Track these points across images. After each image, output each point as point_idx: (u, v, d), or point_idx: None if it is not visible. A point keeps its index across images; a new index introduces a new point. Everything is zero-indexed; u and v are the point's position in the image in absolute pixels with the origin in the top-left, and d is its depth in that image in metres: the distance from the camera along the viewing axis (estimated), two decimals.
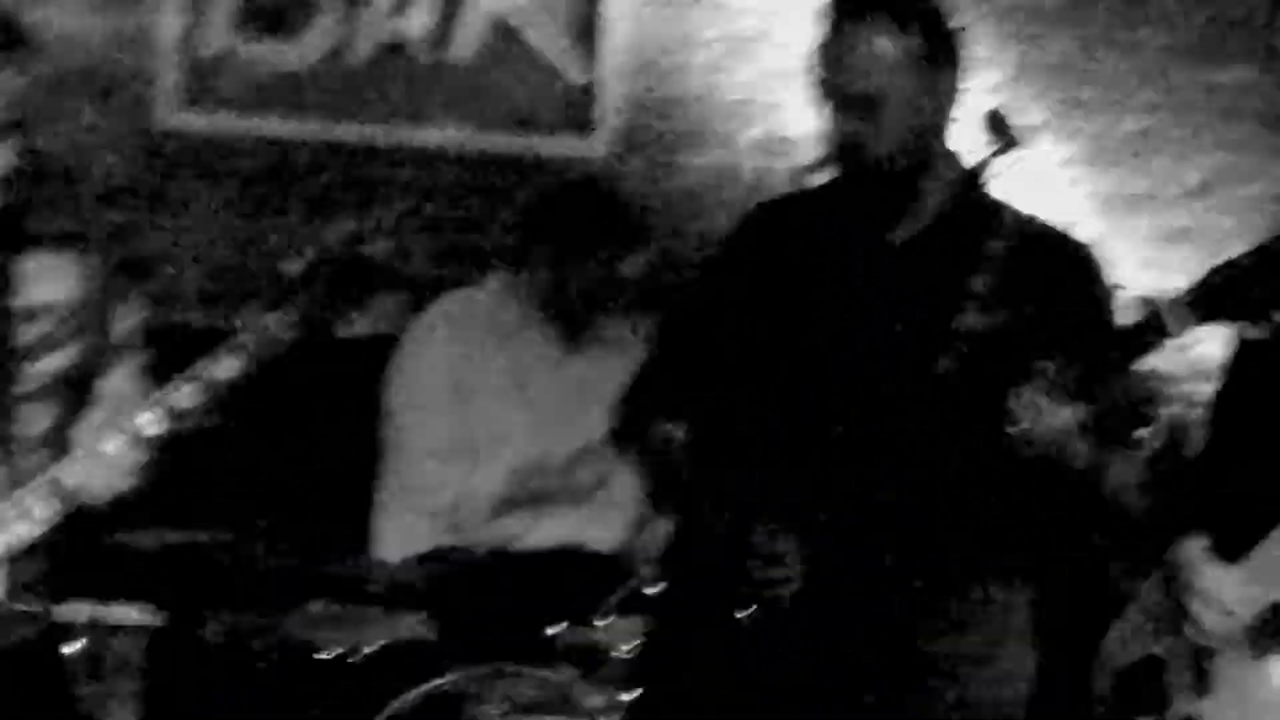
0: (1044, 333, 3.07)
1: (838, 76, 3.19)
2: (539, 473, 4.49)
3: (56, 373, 3.15)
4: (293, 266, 3.05)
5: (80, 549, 3.24)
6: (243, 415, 3.19)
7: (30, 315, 3.11)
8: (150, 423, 3.02)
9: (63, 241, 3.15)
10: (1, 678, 3.08)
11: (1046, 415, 2.99)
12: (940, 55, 3.20)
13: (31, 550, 3.06)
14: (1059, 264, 3.22)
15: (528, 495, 4.47)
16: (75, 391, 3.19)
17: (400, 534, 4.48)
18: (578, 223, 4.50)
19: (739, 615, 3.17)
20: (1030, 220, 3.26)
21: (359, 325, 3.06)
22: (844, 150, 3.20)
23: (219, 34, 5.26)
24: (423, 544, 4.41)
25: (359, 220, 3.15)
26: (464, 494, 4.44)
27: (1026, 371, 3.00)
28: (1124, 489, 3.20)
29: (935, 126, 3.21)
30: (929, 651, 3.18)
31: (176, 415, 3.02)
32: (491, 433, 4.48)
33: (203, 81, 5.27)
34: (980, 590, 3.23)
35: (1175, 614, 3.21)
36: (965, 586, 3.22)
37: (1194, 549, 3.19)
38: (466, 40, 5.38)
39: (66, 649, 3.36)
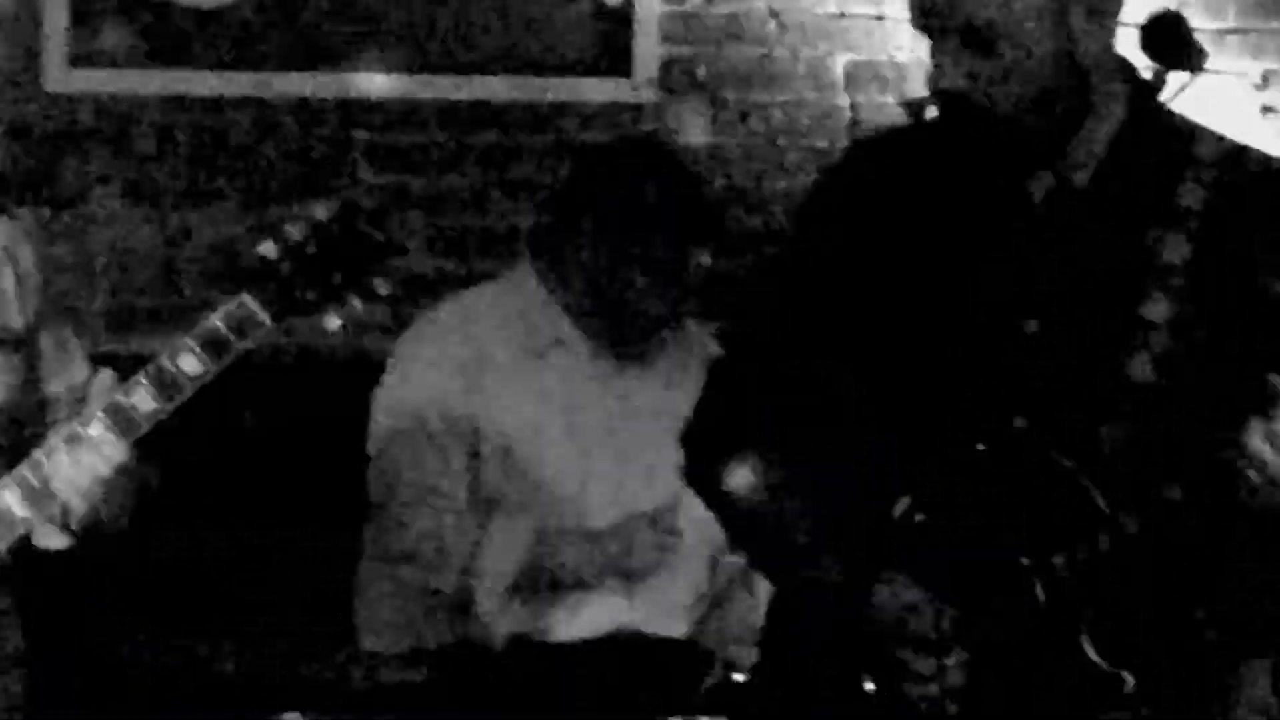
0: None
1: (944, 5, 3.05)
2: (578, 539, 4.32)
3: None
4: (266, 247, 3.09)
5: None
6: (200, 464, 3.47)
7: None
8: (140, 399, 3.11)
9: None
10: None
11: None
12: None
13: None
14: None
15: (563, 568, 4.30)
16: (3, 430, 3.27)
17: (391, 620, 4.34)
18: (632, 197, 4.30)
19: (865, 686, 3.06)
20: (1244, 150, 3.08)
21: (340, 323, 3.09)
22: (951, 101, 3.05)
23: None
24: (422, 634, 4.29)
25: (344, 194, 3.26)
26: (477, 566, 4.26)
27: (1261, 395, 2.82)
28: None
29: (1094, 55, 3.05)
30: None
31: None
32: (514, 481, 4.29)
33: (95, 35, 5.13)
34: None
35: None
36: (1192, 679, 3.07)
37: None
38: None
39: None
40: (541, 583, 4.29)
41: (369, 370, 4.43)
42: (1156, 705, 3.05)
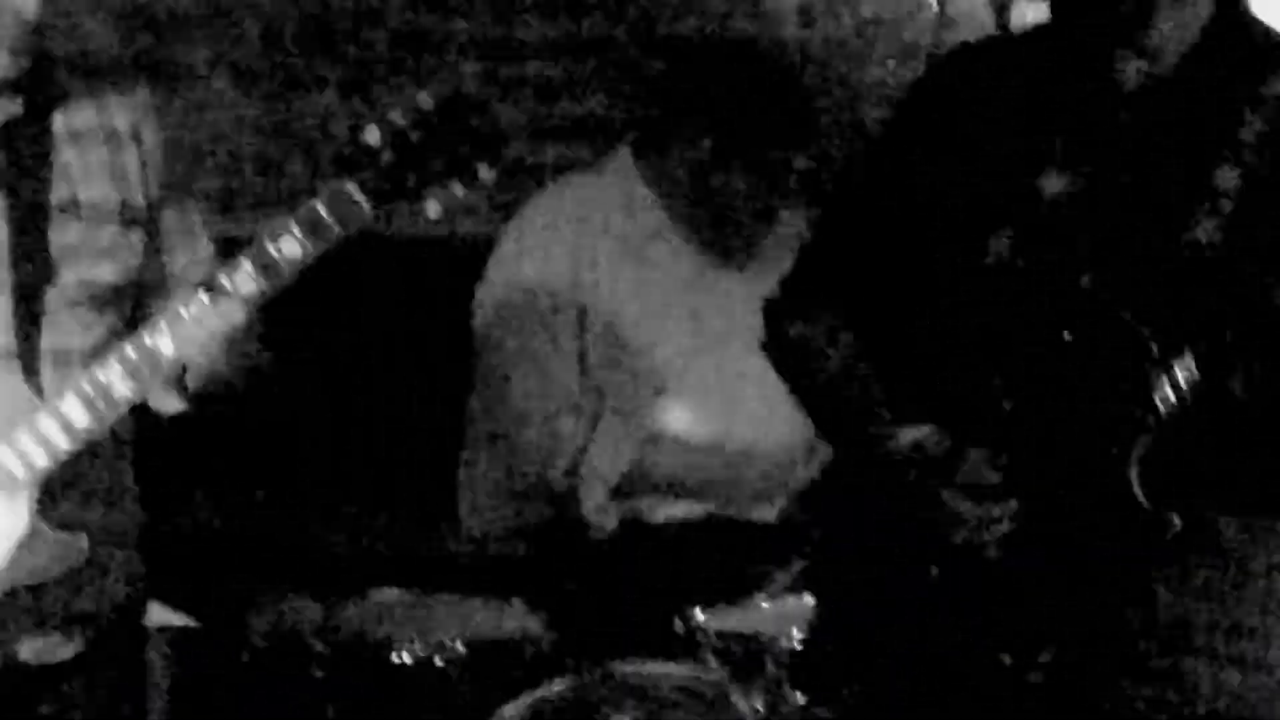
0: None
1: None
2: (682, 452, 4.43)
3: (100, 282, 3.35)
4: (371, 133, 3.15)
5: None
6: (293, 341, 3.45)
7: (75, 213, 3.32)
8: (243, 280, 3.21)
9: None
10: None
11: None
12: None
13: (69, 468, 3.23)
14: None
15: (665, 478, 4.42)
16: (126, 305, 3.40)
17: (495, 507, 4.49)
18: (741, 98, 4.37)
19: (931, 570, 3.17)
20: None
21: (441, 209, 3.17)
22: None
23: None
24: (523, 513, 4.44)
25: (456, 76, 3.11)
26: (585, 468, 4.39)
27: None
28: None
29: None
30: (1182, 622, 3.17)
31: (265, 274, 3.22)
32: (618, 381, 4.39)
33: None
34: (1251, 540, 3.20)
35: None
36: (1233, 532, 3.18)
37: None
38: None
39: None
40: (643, 487, 4.43)
41: (472, 257, 4.56)
42: (1200, 550, 3.17)
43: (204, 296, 3.18)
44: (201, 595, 4.38)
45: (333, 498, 4.72)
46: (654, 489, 4.44)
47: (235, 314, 3.19)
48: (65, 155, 3.37)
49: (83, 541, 3.30)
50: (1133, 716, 3.21)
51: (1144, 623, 3.20)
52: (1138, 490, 3.11)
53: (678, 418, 4.46)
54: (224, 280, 3.17)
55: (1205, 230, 3.16)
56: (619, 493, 4.43)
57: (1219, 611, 3.23)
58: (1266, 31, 3.25)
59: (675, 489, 4.46)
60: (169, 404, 3.28)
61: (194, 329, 3.21)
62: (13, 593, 3.28)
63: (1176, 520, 3.10)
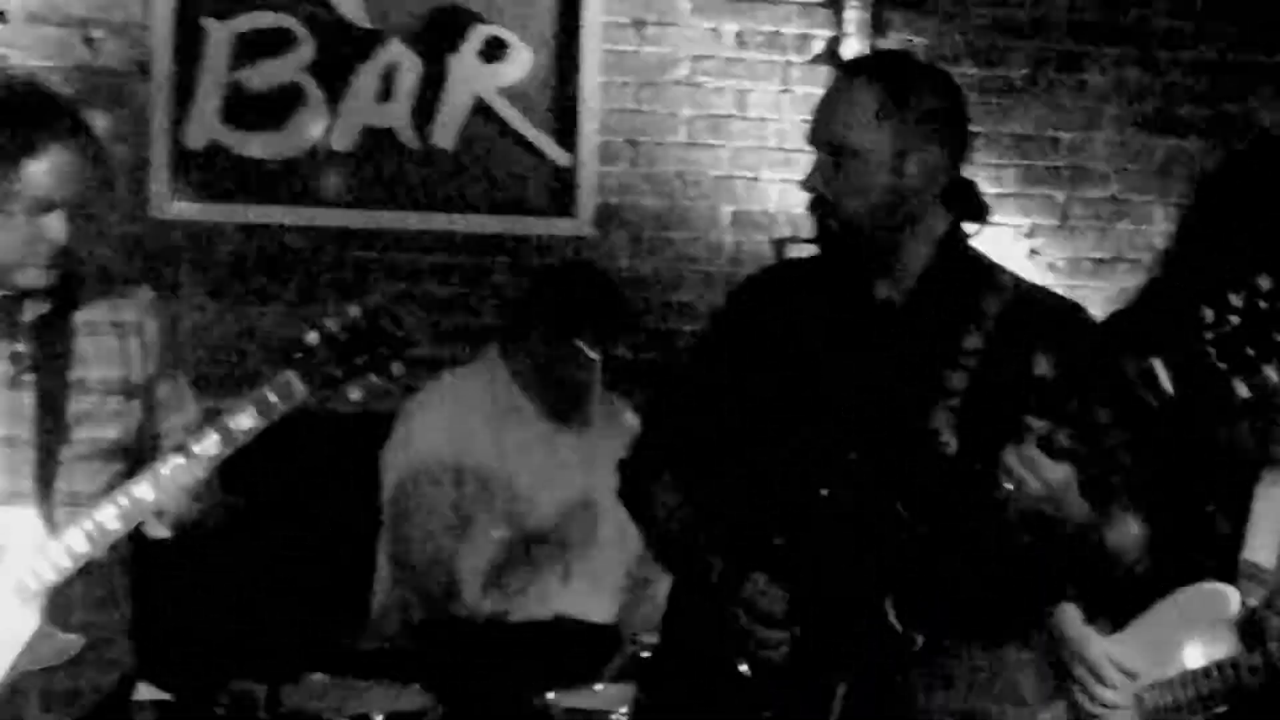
0: (1037, 392, 2.99)
1: (819, 127, 3.21)
2: (530, 539, 4.51)
3: (106, 440, 3.33)
4: (310, 336, 3.17)
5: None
6: (249, 487, 3.43)
7: (83, 388, 3.31)
8: (208, 445, 3.18)
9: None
10: None
11: (1043, 471, 2.92)
12: (926, 121, 3.16)
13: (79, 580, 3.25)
14: (1051, 324, 3.18)
15: (519, 563, 4.49)
16: (126, 458, 3.36)
17: (397, 605, 4.56)
18: (568, 304, 4.53)
19: (740, 667, 3.15)
20: (1021, 281, 3.26)
21: (361, 394, 3.16)
22: (816, 202, 3.20)
23: (207, 126, 5.30)
24: (418, 615, 4.48)
25: (377, 295, 3.29)
26: (459, 567, 4.46)
27: (1019, 429, 2.94)
28: (1124, 544, 3.13)
29: (916, 190, 3.17)
30: (927, 709, 3.16)
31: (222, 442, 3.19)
32: (484, 506, 4.50)
33: (192, 172, 5.32)
34: (978, 650, 3.19)
35: (1061, 678, 3.18)
36: (962, 646, 3.18)
37: (1072, 616, 3.16)
38: (448, 126, 5.42)
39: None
40: (506, 577, 4.48)
41: (379, 424, 4.64)
42: (941, 656, 3.12)
43: (178, 457, 3.20)
44: (178, 677, 4.29)
45: (276, 603, 4.66)
46: (514, 592, 4.49)
47: (199, 471, 3.20)
48: (82, 343, 3.36)
49: (79, 640, 3.28)
50: None
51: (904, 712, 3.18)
52: (892, 617, 3.09)
53: (531, 521, 4.51)
54: (193, 445, 3.19)
55: (940, 421, 3.14)
56: (486, 587, 4.46)
57: (959, 699, 3.19)
58: (984, 260, 3.27)
59: (528, 572, 4.50)
60: (156, 531, 3.28)
61: (169, 482, 3.20)
62: (24, 677, 3.27)
63: (919, 639, 3.09)
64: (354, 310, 3.22)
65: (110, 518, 3.24)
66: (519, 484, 4.55)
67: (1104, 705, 3.10)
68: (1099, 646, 3.13)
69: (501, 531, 4.50)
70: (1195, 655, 3.06)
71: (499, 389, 4.60)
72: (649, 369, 4.59)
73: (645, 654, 4.00)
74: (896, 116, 3.14)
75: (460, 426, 4.57)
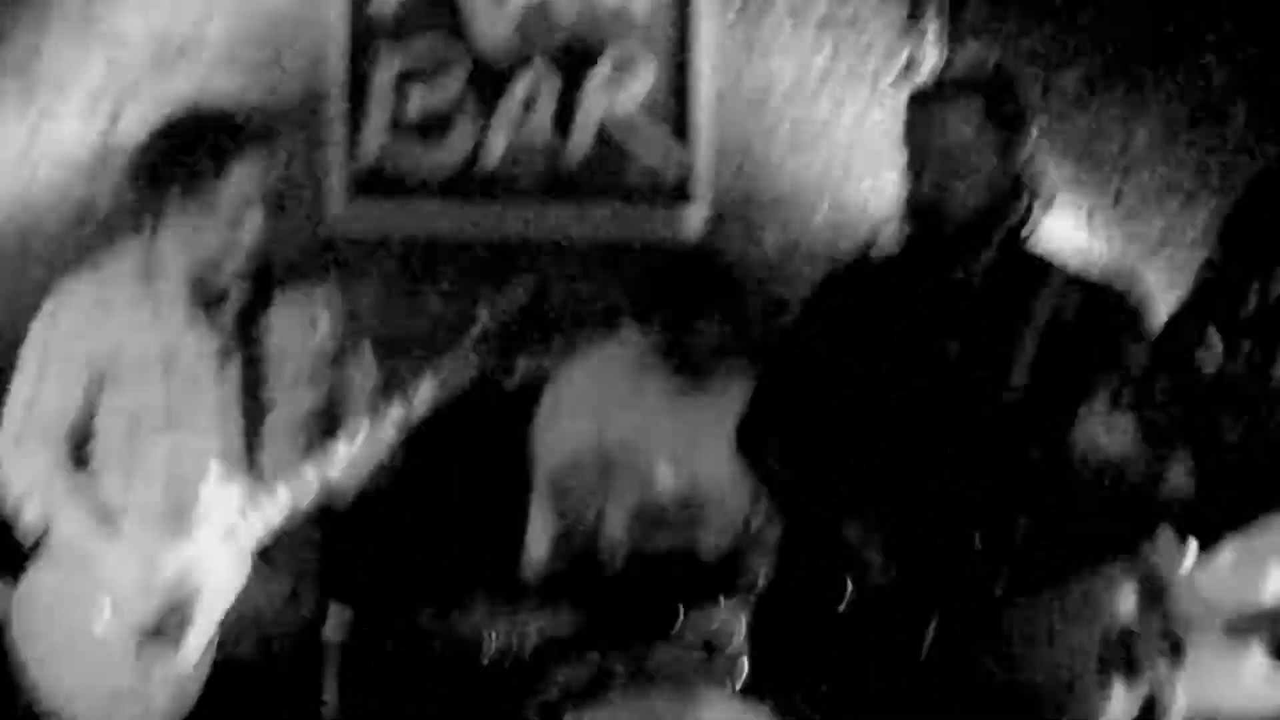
0: (1100, 358, 3.17)
1: (919, 134, 3.33)
2: (666, 501, 4.63)
3: (304, 409, 3.54)
4: (477, 327, 3.41)
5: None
6: (427, 454, 3.55)
7: (279, 370, 3.54)
8: (387, 426, 3.37)
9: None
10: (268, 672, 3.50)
11: (1112, 428, 3.04)
12: (1017, 124, 3.31)
13: (283, 541, 3.46)
14: (1111, 303, 3.33)
15: (654, 519, 4.63)
16: (320, 427, 3.57)
17: (546, 543, 4.76)
18: (691, 289, 4.65)
19: (840, 605, 3.30)
20: (1082, 268, 3.42)
21: (525, 369, 3.47)
22: (921, 210, 3.33)
23: (377, 139, 5.41)
24: (565, 554, 4.69)
25: (531, 286, 3.49)
26: (605, 513, 4.62)
27: (1089, 389, 3.09)
28: (1179, 490, 3.20)
29: (1005, 187, 3.32)
30: (1009, 631, 3.32)
31: (396, 426, 3.40)
32: (626, 464, 4.64)
33: (363, 181, 5.42)
34: (1053, 590, 3.34)
35: (1152, 598, 3.24)
36: (1042, 583, 3.33)
37: (1168, 542, 3.21)
38: (583, 137, 5.47)
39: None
40: (643, 528, 4.61)
41: (532, 398, 4.81)
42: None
43: (368, 425, 3.37)
44: (361, 611, 4.32)
45: (449, 547, 4.92)
46: (651, 528, 4.60)
47: (385, 441, 3.39)
48: (276, 331, 3.53)
49: (286, 583, 3.52)
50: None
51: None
52: (978, 547, 3.25)
53: (664, 484, 4.62)
54: (381, 413, 3.40)
55: (1019, 374, 3.29)
56: (633, 527, 4.60)
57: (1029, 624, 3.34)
58: (1041, 258, 3.40)
59: (663, 528, 4.60)
60: (339, 501, 3.49)
61: (356, 455, 3.38)
62: (239, 616, 3.47)
63: (1005, 571, 3.22)
64: (519, 293, 3.42)
65: (311, 478, 3.43)
66: (653, 446, 4.64)
67: (1193, 625, 3.17)
68: (1192, 571, 3.17)
69: (641, 490, 4.61)
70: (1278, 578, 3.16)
71: (638, 361, 4.72)
72: (760, 344, 4.66)
73: (758, 590, 4.20)
74: (994, 121, 3.29)
75: (605, 390, 4.70)
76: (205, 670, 3.46)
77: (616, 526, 4.61)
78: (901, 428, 3.37)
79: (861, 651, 3.34)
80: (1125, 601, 3.25)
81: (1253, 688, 3.12)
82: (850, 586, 3.32)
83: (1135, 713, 3.23)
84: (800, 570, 3.50)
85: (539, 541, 4.78)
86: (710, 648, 4.21)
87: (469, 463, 5.03)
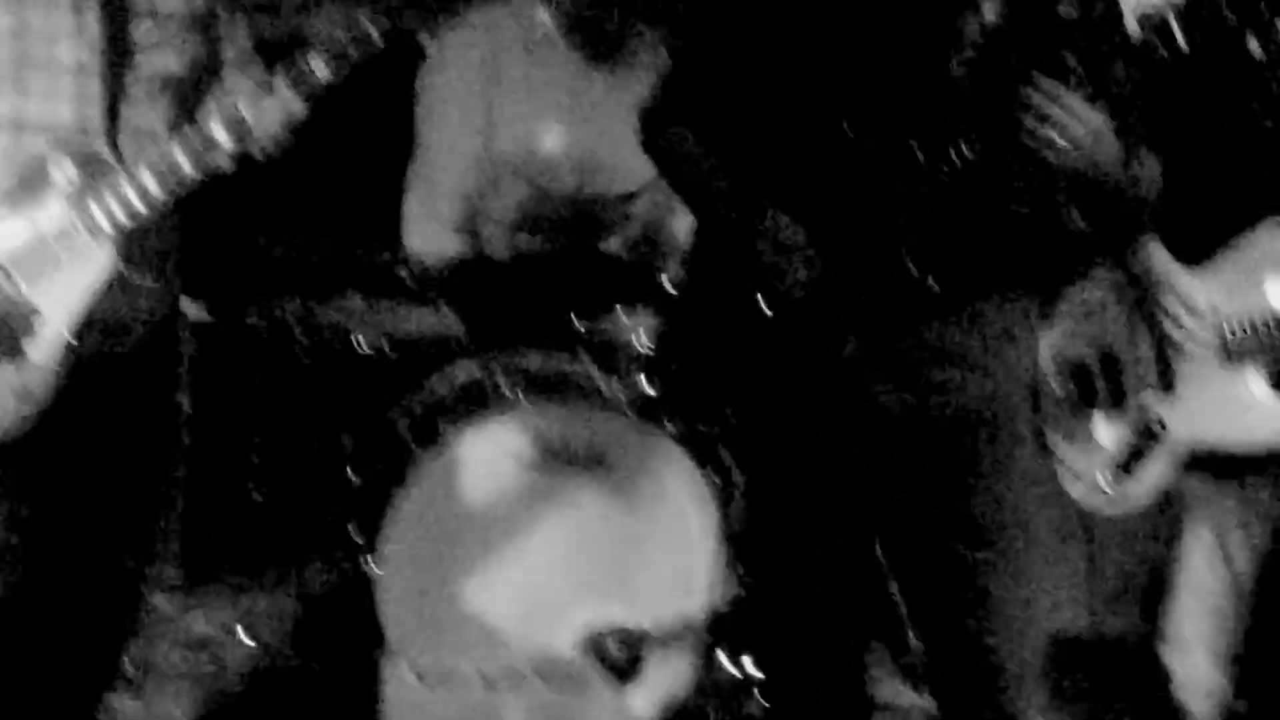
0: (1061, 31, 2.95)
1: None
2: (560, 195, 4.48)
3: (168, 72, 3.31)
4: None
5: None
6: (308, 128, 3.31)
7: (150, 14, 3.27)
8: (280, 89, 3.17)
9: None
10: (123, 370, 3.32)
11: (1079, 116, 2.86)
12: None
13: (148, 227, 3.25)
14: None
15: (549, 214, 4.49)
16: (186, 93, 3.34)
17: (426, 237, 4.55)
18: None
19: (760, 303, 3.11)
20: None
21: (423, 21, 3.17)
22: None
23: None
24: (447, 249, 4.50)
25: None
26: (486, 209, 4.46)
27: (1050, 66, 2.87)
28: (1153, 184, 3.06)
29: None
30: (937, 345, 3.12)
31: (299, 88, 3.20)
32: (515, 145, 4.47)
33: None
34: (993, 296, 3.13)
35: (1142, 312, 3.22)
36: (979, 290, 3.12)
37: (1159, 251, 3.17)
38: None
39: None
40: (534, 225, 4.46)
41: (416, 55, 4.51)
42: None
43: (250, 96, 3.14)
44: (217, 300, 4.38)
45: (313, 228, 4.59)
46: (544, 225, 4.48)
47: (294, 105, 3.18)
48: None
49: (144, 274, 3.29)
50: None
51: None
52: (909, 263, 3.04)
53: (559, 176, 4.47)
54: (269, 86, 3.17)
55: (959, 67, 3.06)
56: (513, 231, 4.46)
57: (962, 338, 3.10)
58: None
59: (557, 226, 4.48)
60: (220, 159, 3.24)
61: (254, 118, 3.18)
62: (91, 310, 3.27)
63: (935, 287, 3.04)
64: None
65: (181, 159, 3.23)
66: (554, 123, 4.49)
67: (1192, 336, 3.17)
68: (1187, 279, 3.14)
69: (536, 176, 4.45)
70: (1277, 292, 3.15)
71: (535, 22, 4.50)
72: (676, 13, 4.32)
73: (673, 285, 3.96)
74: None
75: (494, 56, 4.49)
76: (55, 368, 3.31)
77: (504, 223, 4.49)
78: (831, 105, 3.12)
79: (774, 366, 3.16)
80: (1111, 322, 3.24)
81: (1252, 418, 3.15)
82: (770, 283, 3.12)
83: (1127, 444, 3.26)
84: (713, 274, 3.30)
85: (419, 234, 4.59)
86: (609, 355, 4.09)
87: (362, 138, 4.78)
